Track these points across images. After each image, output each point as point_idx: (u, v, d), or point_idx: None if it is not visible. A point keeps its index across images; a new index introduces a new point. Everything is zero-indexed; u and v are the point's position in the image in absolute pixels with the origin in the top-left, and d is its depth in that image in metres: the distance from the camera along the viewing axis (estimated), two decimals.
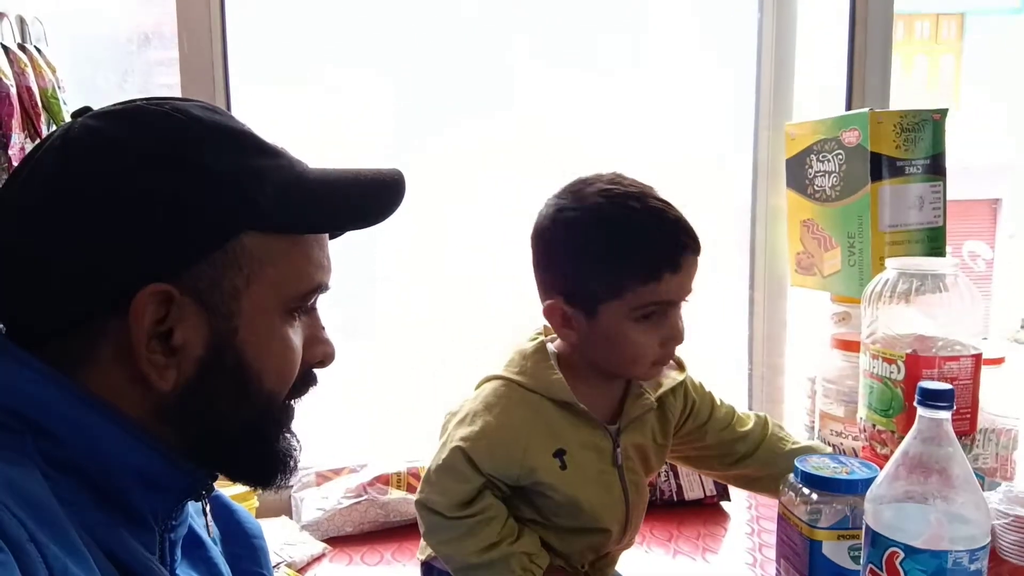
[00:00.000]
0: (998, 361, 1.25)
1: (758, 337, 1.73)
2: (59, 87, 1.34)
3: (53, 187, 0.61)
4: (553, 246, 1.04)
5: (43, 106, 1.27)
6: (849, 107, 1.60)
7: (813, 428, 1.40)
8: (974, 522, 0.82)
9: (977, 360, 1.12)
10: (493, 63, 1.72)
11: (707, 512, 1.49)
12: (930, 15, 10.23)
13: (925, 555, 0.82)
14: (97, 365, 0.62)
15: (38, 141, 0.66)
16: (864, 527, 0.88)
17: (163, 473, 0.64)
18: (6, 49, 1.25)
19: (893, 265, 1.17)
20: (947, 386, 0.84)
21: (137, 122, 0.64)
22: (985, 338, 1.20)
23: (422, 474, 1.10)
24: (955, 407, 0.85)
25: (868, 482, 0.91)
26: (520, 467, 1.03)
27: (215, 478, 0.72)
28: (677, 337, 1.03)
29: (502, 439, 1.04)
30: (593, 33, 1.73)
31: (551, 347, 1.10)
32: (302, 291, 0.69)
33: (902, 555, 0.83)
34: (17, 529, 0.51)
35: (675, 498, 1.50)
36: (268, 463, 0.71)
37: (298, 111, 1.64)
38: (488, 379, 1.10)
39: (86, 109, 0.66)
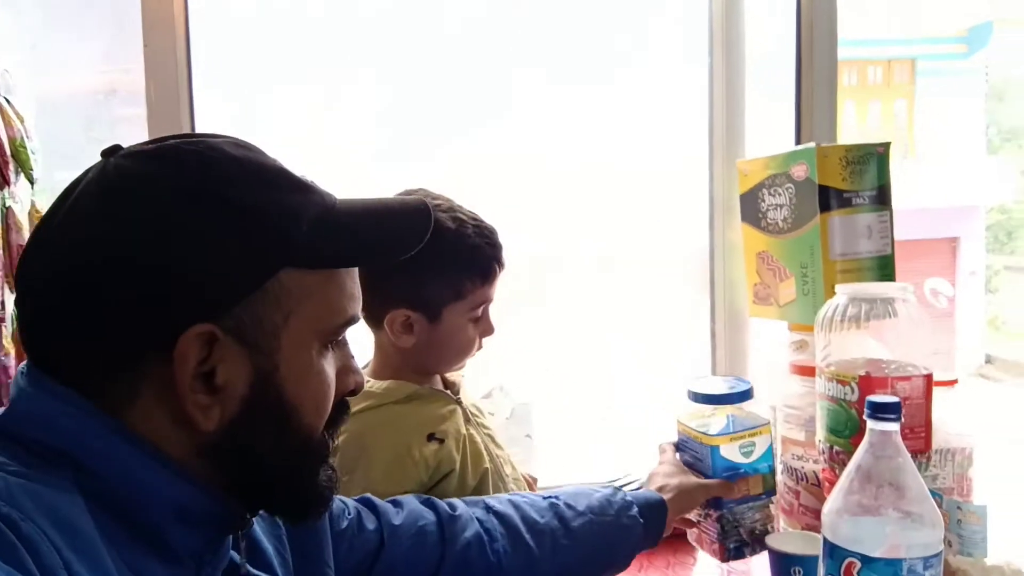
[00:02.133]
0: (951, 383, 1.28)
1: (720, 368, 1.77)
2: (27, 136, 1.36)
3: (92, 230, 0.61)
4: None
5: (11, 154, 1.29)
6: (798, 143, 1.67)
7: (776, 454, 1.43)
8: (927, 530, 0.85)
9: (928, 380, 1.16)
10: (487, 78, 1.79)
11: (677, 543, 1.50)
12: (882, 61, 10.54)
13: (880, 564, 0.84)
14: (139, 405, 0.62)
15: (71, 181, 0.66)
16: (823, 540, 0.91)
17: (201, 510, 0.64)
18: None
19: (843, 291, 1.21)
20: (894, 399, 0.87)
21: (174, 162, 0.64)
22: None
23: None
24: (908, 426, 0.89)
25: (748, 392, 1.26)
26: (416, 466, 1.13)
27: (255, 513, 0.72)
28: (491, 331, 1.23)
29: (389, 455, 1.12)
30: (582, 54, 1.81)
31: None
32: (337, 324, 0.70)
33: (859, 565, 0.86)
34: (52, 557, 0.51)
35: None
36: (308, 497, 0.71)
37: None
38: None
39: (117, 148, 0.66)
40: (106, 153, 0.66)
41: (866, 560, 0.85)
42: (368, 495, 1.03)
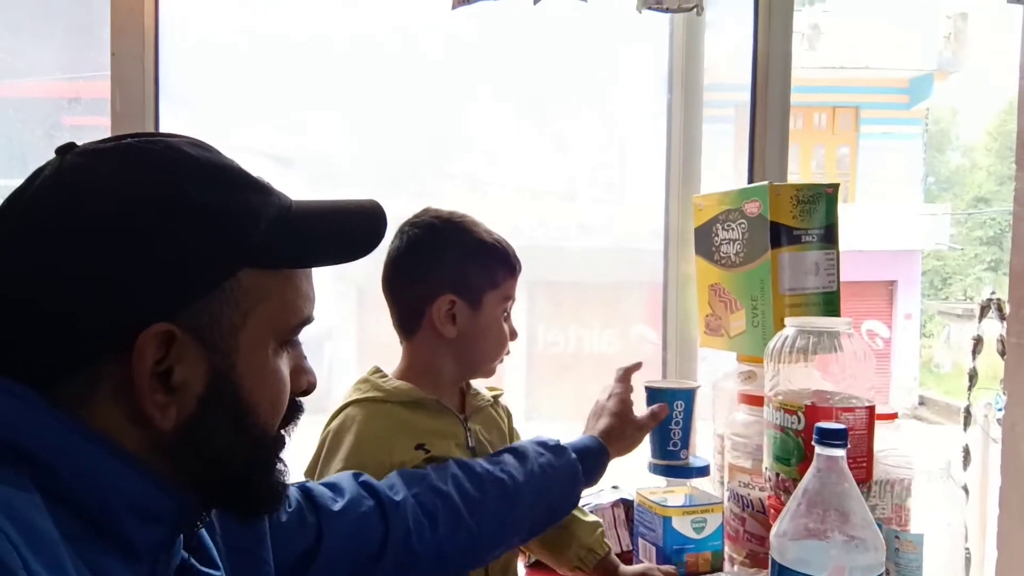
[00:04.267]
0: (891, 416, 1.33)
1: None
2: None
3: (51, 228, 0.61)
4: (438, 248, 1.21)
5: None
6: (751, 180, 1.72)
7: (723, 481, 1.46)
8: (870, 553, 0.89)
9: (871, 412, 1.20)
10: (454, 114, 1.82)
11: None
12: (827, 108, 10.89)
13: None
14: (96, 403, 0.62)
15: (25, 179, 0.65)
16: (771, 562, 0.94)
17: (159, 506, 0.64)
18: None
19: (792, 324, 1.25)
20: (841, 426, 0.91)
21: (131, 161, 0.64)
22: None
23: None
24: (851, 456, 0.93)
25: (705, 468, 1.34)
26: (392, 468, 1.11)
27: (210, 511, 0.72)
28: (515, 334, 1.27)
29: (370, 449, 1.13)
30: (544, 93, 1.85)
31: (387, 370, 1.24)
32: (293, 324, 0.71)
33: None
34: (12, 557, 0.51)
35: None
36: (263, 493, 0.72)
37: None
38: (336, 413, 1.20)
39: (71, 145, 0.66)
40: (61, 150, 0.65)
41: None
42: (305, 480, 1.02)
